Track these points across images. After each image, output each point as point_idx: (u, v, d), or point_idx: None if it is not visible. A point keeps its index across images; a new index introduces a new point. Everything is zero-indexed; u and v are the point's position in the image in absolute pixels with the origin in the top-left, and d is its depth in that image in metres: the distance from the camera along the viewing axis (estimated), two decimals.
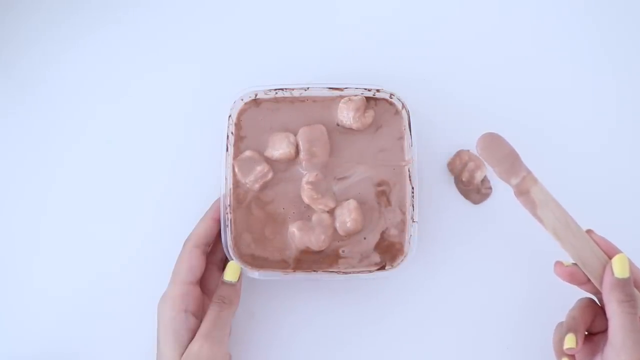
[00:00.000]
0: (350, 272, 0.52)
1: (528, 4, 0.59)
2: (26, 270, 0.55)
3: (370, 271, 0.52)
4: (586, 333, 0.47)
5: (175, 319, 0.49)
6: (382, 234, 0.53)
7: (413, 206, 0.52)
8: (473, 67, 0.58)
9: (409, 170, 0.53)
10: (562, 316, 0.48)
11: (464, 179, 0.55)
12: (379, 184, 0.53)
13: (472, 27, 0.59)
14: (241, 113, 0.54)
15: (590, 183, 0.56)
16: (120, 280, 0.55)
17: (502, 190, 0.54)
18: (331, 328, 0.54)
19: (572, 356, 0.46)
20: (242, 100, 0.53)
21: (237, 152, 0.53)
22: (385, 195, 0.53)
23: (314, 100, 0.54)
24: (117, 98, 0.57)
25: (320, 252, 0.52)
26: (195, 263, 0.50)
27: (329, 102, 0.54)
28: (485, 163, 0.51)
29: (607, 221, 0.50)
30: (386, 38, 0.58)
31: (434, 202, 0.55)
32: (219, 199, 0.53)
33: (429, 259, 0.55)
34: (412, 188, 0.52)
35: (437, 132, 0.56)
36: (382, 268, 0.52)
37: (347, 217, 0.52)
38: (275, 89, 0.53)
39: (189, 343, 0.48)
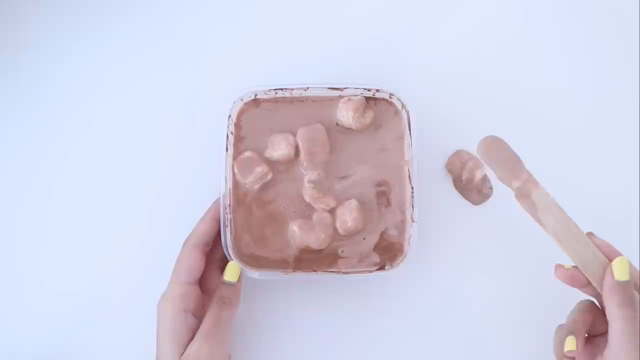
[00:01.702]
0: (350, 272, 0.52)
1: (529, 5, 0.59)
2: (26, 269, 0.55)
3: (370, 271, 0.52)
4: (586, 335, 0.47)
5: (175, 319, 0.49)
6: (382, 234, 0.52)
7: (412, 206, 0.52)
8: (473, 67, 0.57)
9: (408, 170, 0.52)
10: (562, 318, 0.48)
11: (463, 179, 0.55)
12: (379, 184, 0.53)
13: (473, 27, 0.58)
14: (241, 113, 0.53)
15: (591, 184, 0.56)
16: (120, 280, 0.55)
17: (502, 191, 0.53)
18: (331, 328, 0.54)
19: (573, 359, 0.46)
20: (242, 100, 0.53)
21: (237, 153, 0.53)
22: (385, 195, 0.53)
23: (314, 100, 0.54)
24: (116, 98, 0.57)
25: (320, 251, 0.52)
26: (195, 263, 0.50)
27: (329, 102, 0.53)
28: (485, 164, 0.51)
29: (607, 223, 0.50)
30: (386, 38, 0.58)
31: (433, 202, 0.55)
32: (218, 199, 0.52)
33: (429, 259, 0.54)
34: (412, 188, 0.52)
35: (437, 132, 0.56)
36: (382, 268, 0.52)
37: (348, 216, 0.51)
38: (275, 89, 0.53)
39: (189, 343, 0.48)
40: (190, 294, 0.50)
